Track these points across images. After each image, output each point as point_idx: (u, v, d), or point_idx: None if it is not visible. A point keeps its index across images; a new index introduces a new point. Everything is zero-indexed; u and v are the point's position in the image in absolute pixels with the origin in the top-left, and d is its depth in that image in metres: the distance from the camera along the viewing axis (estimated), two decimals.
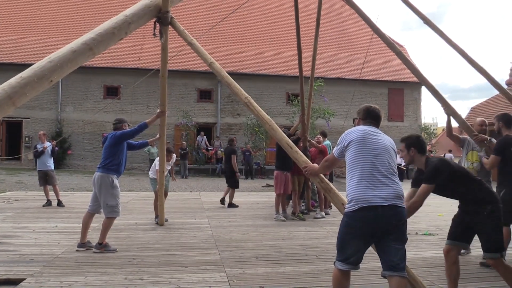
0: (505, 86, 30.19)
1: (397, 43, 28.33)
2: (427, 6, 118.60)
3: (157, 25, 5.37)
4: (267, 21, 26.10)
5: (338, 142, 3.38)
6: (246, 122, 21.92)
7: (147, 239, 6.25)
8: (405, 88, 25.49)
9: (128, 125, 6.06)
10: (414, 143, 3.64)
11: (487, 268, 4.80)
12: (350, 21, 26.72)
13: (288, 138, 4.31)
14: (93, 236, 5.74)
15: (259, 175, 21.80)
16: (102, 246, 5.43)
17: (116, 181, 5.59)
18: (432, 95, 5.97)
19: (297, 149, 4.08)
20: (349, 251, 3.06)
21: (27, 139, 21.62)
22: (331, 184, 3.72)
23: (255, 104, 4.48)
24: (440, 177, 3.52)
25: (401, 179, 22.01)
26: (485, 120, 5.78)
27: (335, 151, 3.38)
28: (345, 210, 3.14)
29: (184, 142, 21.07)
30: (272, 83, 23.87)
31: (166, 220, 7.66)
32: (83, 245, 5.54)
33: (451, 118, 5.73)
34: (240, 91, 4.60)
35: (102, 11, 23.53)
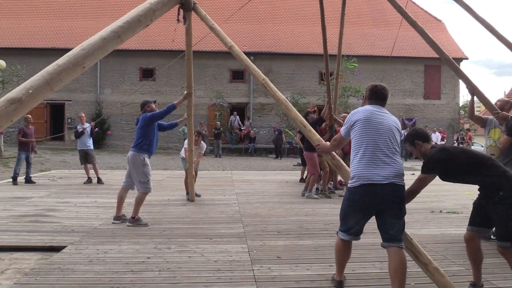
0: None
1: (436, 18, 27.41)
2: None
3: (181, 10, 5.63)
4: (300, 0, 25.82)
5: (345, 121, 3.56)
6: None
7: (178, 214, 6.66)
8: (442, 65, 24.68)
9: (154, 103, 6.38)
10: (415, 136, 3.58)
11: None
12: None
13: (302, 117, 4.49)
14: (128, 211, 6.17)
15: (291, 154, 21.99)
16: (135, 220, 5.83)
17: (147, 160, 5.98)
18: (455, 73, 5.96)
19: (310, 127, 4.27)
20: (350, 223, 3.31)
21: (69, 120, 22.73)
22: (341, 161, 3.91)
23: (272, 85, 4.70)
24: (438, 167, 3.44)
25: None
26: (510, 100, 5.72)
27: (342, 130, 3.55)
28: (348, 185, 3.37)
29: (218, 122, 21.50)
30: (304, 62, 23.76)
31: (199, 196, 8.06)
32: (119, 218, 6.00)
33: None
34: (257, 72, 4.82)
35: None
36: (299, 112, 4.68)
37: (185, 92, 6.86)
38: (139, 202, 5.89)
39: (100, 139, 21.36)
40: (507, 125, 5.19)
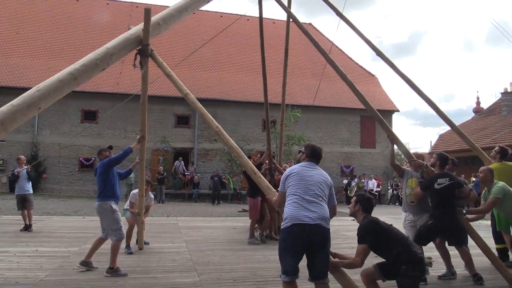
0: (473, 114, 31.67)
1: (369, 73, 29.52)
2: (399, 36, 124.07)
3: (138, 56, 5.79)
4: (245, 49, 26.78)
5: (281, 179, 4.10)
6: (223, 148, 22.28)
7: (128, 263, 6.45)
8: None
9: (109, 151, 6.34)
10: (362, 201, 4.29)
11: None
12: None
13: (252, 164, 4.80)
14: (75, 260, 5.92)
15: (235, 200, 22.04)
16: (113, 271, 5.61)
17: (114, 206, 5.92)
18: (379, 123, 6.46)
19: (260, 174, 4.58)
20: (286, 263, 3.70)
21: (1, 162, 21.36)
22: None
23: (225, 133, 4.98)
24: (369, 236, 4.06)
25: None
26: (422, 154, 6.48)
27: (280, 186, 4.07)
28: (281, 227, 3.82)
29: (161, 167, 21.19)
30: (248, 110, 24.40)
31: (147, 244, 7.88)
32: (86, 264, 5.80)
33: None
34: (212, 121, 5.06)
35: (98, 36, 23.89)
36: None
37: (139, 136, 6.88)
38: (115, 251, 5.73)
39: (35, 182, 20.17)
40: (422, 174, 5.74)
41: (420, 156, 6.28)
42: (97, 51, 5.23)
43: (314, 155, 4.12)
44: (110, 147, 6.46)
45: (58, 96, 4.76)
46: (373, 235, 4.07)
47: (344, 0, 8.71)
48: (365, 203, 4.27)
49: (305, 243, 3.65)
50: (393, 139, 6.20)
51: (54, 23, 25.56)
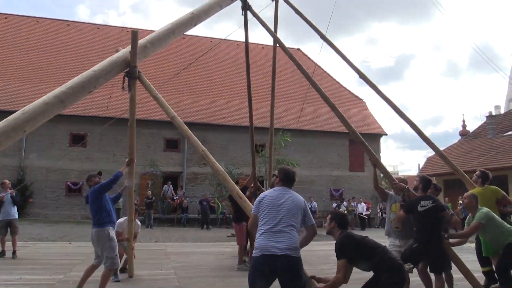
0: (459, 137, 32.09)
1: (357, 97, 29.94)
2: (386, 61, 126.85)
3: (125, 78, 5.84)
4: (235, 73, 27.01)
5: (255, 201, 4.13)
6: (212, 172, 22.16)
7: None
8: (364, 140, 26.58)
9: (99, 177, 6.31)
10: (336, 218, 4.38)
11: None
12: (314, 76, 28.15)
13: (238, 189, 4.83)
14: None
15: (224, 224, 21.84)
16: None
17: (112, 233, 5.85)
18: (361, 146, 6.58)
19: (245, 198, 4.61)
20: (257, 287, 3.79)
21: None
22: None
23: (211, 156, 5.04)
24: (346, 250, 4.12)
25: (363, 228, 22.64)
26: (405, 179, 6.53)
27: (253, 208, 4.13)
28: (253, 255, 3.90)
29: (149, 191, 20.96)
30: (238, 134, 24.38)
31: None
32: None
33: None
34: (198, 143, 5.13)
35: (84, 59, 23.93)
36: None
37: (127, 159, 6.86)
38: (105, 279, 5.65)
39: (20, 207, 19.78)
40: (403, 198, 5.78)
41: (403, 180, 6.32)
42: (84, 73, 5.26)
43: (287, 179, 4.17)
44: (100, 173, 6.44)
45: (44, 119, 4.77)
46: (350, 248, 4.12)
47: (328, 22, 8.96)
48: (340, 220, 4.35)
49: (274, 273, 3.74)
50: (375, 162, 6.26)
51: (44, 47, 25.63)
